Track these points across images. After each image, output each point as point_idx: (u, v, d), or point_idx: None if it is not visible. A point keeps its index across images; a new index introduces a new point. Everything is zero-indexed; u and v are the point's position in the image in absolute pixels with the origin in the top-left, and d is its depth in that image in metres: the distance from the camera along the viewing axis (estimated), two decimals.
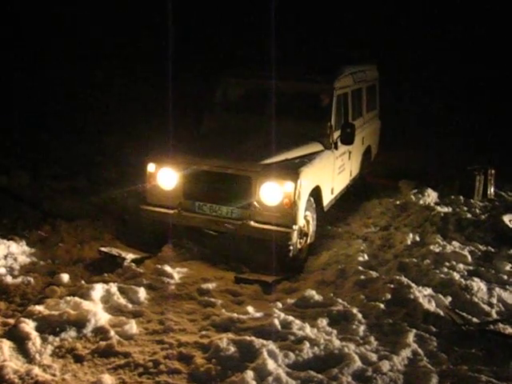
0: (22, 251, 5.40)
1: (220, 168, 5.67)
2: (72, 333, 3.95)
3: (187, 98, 9.15)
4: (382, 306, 4.71)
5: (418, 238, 6.41)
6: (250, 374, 3.53)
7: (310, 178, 5.69)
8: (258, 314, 4.46)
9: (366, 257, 5.81)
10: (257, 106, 6.88)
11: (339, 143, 6.58)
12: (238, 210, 5.63)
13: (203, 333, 4.12)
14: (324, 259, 5.90)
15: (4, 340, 3.69)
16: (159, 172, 5.88)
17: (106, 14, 13.07)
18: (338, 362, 3.84)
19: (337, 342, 4.08)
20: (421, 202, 7.86)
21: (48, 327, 3.95)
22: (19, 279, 4.82)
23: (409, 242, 6.28)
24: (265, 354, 3.74)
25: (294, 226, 5.49)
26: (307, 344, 3.96)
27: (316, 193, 6.06)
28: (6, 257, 5.19)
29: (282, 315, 4.37)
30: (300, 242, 5.85)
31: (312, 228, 6.10)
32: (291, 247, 5.61)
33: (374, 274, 5.34)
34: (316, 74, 6.98)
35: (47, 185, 7.38)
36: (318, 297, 4.84)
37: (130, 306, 4.48)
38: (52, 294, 4.54)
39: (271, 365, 3.66)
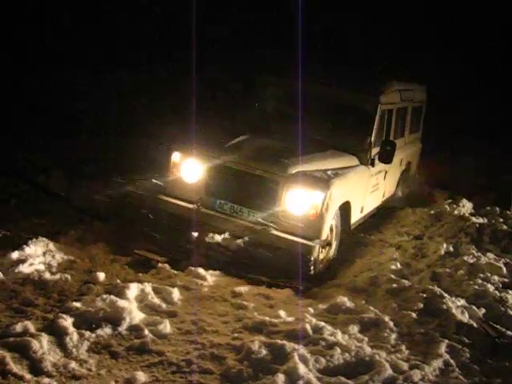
0: (59, 249, 5.52)
1: (247, 167, 5.46)
2: (107, 330, 4.03)
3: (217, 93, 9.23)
4: (413, 315, 4.70)
5: (451, 249, 6.37)
6: (281, 378, 3.57)
7: (340, 191, 5.48)
8: (290, 319, 4.49)
9: (399, 265, 5.79)
10: (294, 110, 6.48)
11: (376, 160, 6.33)
12: (260, 214, 5.41)
13: (235, 335, 4.17)
14: (356, 266, 5.91)
15: (43, 334, 3.78)
16: (183, 163, 5.70)
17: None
18: (368, 369, 3.84)
19: (368, 349, 4.08)
20: (455, 212, 7.81)
21: (85, 323, 4.04)
22: (57, 276, 4.93)
23: (442, 252, 6.24)
24: (296, 358, 3.76)
25: (317, 240, 5.28)
26: (338, 350, 3.98)
27: (345, 208, 5.81)
28: (44, 254, 5.31)
29: (314, 320, 4.39)
30: (323, 251, 5.66)
31: (335, 243, 5.85)
32: (312, 262, 5.34)
33: (406, 282, 5.32)
34: (362, 84, 6.72)
35: (85, 185, 7.52)
36: (349, 303, 4.85)
37: (163, 305, 4.56)
38: (88, 291, 4.64)
39: (302, 369, 3.68)
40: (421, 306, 4.83)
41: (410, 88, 7.82)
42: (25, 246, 5.16)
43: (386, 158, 6.18)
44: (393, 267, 5.71)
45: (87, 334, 3.93)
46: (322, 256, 5.64)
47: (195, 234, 5.81)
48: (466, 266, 5.80)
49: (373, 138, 6.30)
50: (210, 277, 5.25)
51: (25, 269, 4.86)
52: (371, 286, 5.32)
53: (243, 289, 5.08)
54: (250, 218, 5.44)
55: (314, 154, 5.84)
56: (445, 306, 4.79)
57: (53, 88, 10.51)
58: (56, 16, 11.73)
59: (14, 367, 3.42)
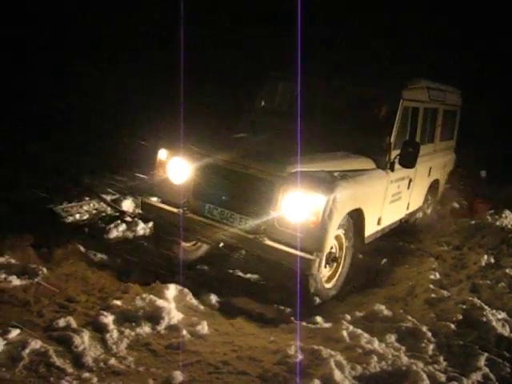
0: (100, 247, 5.64)
1: (239, 166, 4.78)
2: (147, 328, 4.11)
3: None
4: (452, 326, 4.63)
5: (492, 260, 6.25)
6: (316, 383, 3.57)
7: (348, 196, 4.74)
8: (327, 325, 4.49)
9: (438, 275, 5.72)
10: (304, 107, 5.87)
11: (397, 165, 5.58)
12: (253, 221, 4.70)
13: (272, 338, 4.19)
14: (394, 275, 5.86)
15: (84, 330, 3.88)
16: (170, 161, 5.06)
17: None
18: (405, 378, 3.81)
19: (405, 359, 4.05)
20: (497, 223, 7.66)
21: (125, 321, 4.13)
22: (98, 274, 5.05)
23: (483, 264, 6.13)
24: (332, 364, 3.76)
25: (318, 253, 4.57)
26: (375, 358, 3.95)
27: (357, 218, 5.13)
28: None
29: (351, 327, 4.38)
30: (328, 268, 5.06)
31: (346, 256, 5.18)
32: (311, 278, 4.67)
33: (445, 293, 5.25)
34: (383, 77, 6.10)
35: (128, 186, 7.66)
36: (387, 312, 4.81)
37: (201, 307, 4.62)
38: (128, 290, 4.73)
39: (338, 375, 3.67)
40: (460, 317, 4.76)
41: (442, 88, 7.11)
42: None
43: (408, 161, 5.40)
44: (432, 277, 5.64)
45: (127, 331, 4.01)
46: (326, 273, 5.03)
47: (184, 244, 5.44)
48: (508, 278, 5.68)
49: (393, 138, 5.58)
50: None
51: (67, 266, 4.99)
52: (409, 295, 5.26)
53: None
54: (242, 226, 4.74)
55: (319, 154, 5.17)
56: (485, 319, 4.71)
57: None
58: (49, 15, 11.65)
59: (57, 360, 3.52)
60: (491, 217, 7.98)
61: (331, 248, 4.92)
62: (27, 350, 3.55)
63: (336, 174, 4.83)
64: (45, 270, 4.76)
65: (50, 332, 3.84)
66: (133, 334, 4.01)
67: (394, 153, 5.59)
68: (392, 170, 5.61)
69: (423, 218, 7.50)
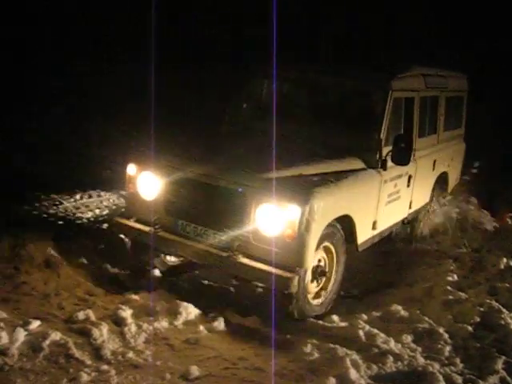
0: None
1: (209, 178, 4.40)
2: (164, 323, 4.15)
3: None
4: (469, 328, 4.60)
5: (511, 263, 6.20)
6: (332, 381, 3.58)
7: (330, 203, 4.30)
8: (343, 324, 4.50)
9: (456, 277, 5.68)
10: (286, 107, 5.53)
11: (390, 162, 5.06)
12: (227, 236, 4.34)
13: (288, 336, 4.21)
14: (411, 276, 5.83)
15: (103, 323, 3.94)
16: (140, 176, 4.71)
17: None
18: (421, 379, 3.80)
19: (421, 360, 4.05)
20: None
21: (143, 315, 4.18)
22: (115, 270, 5.11)
23: (502, 266, 6.07)
24: (348, 362, 3.77)
25: (298, 269, 4.14)
26: (391, 358, 3.96)
27: (347, 224, 4.71)
28: None
29: (367, 327, 4.38)
30: (316, 283, 4.64)
31: (338, 268, 4.79)
32: (291, 299, 4.28)
33: (462, 295, 5.22)
34: (368, 69, 5.61)
35: None
36: (403, 312, 4.80)
37: (218, 303, 4.65)
38: (146, 285, 4.78)
39: (353, 374, 3.68)
40: (477, 319, 4.73)
41: (442, 74, 6.54)
42: None
43: (401, 157, 4.92)
44: (449, 279, 5.61)
45: (145, 325, 4.06)
46: (314, 289, 4.66)
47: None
48: None
49: (383, 134, 5.06)
50: None
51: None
52: (426, 296, 5.24)
53: None
54: (216, 243, 4.39)
55: (300, 157, 4.71)
56: (503, 322, 4.67)
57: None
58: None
59: (76, 352, 3.59)
60: (511, 219, 7.89)
61: (319, 261, 4.57)
62: (47, 342, 3.63)
63: (316, 178, 4.39)
64: (64, 263, 4.83)
65: (70, 324, 3.93)
66: (150, 328, 4.06)
67: (386, 150, 5.06)
68: (384, 168, 5.05)
69: (433, 216, 7.02)
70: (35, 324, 3.81)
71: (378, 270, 6.00)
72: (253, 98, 6.00)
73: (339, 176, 4.59)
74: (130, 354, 3.70)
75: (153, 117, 6.36)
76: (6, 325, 3.74)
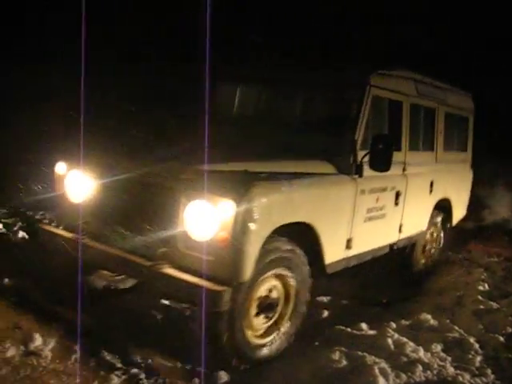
0: None
1: (138, 175, 3.71)
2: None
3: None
4: (501, 338, 4.55)
5: None
6: None
7: (279, 202, 3.52)
8: (371, 332, 4.47)
9: (487, 286, 5.62)
10: (249, 107, 5.10)
11: (369, 170, 4.30)
12: (152, 242, 3.60)
13: (316, 343, 4.21)
14: (442, 284, 5.79)
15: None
16: (68, 175, 4.10)
17: None
18: None
19: (451, 370, 4.00)
20: None
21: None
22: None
23: None
24: (376, 371, 3.74)
25: (234, 281, 3.33)
26: (420, 367, 3.92)
27: (309, 238, 3.93)
28: None
29: (396, 335, 4.36)
30: (265, 318, 3.81)
31: (298, 302, 3.96)
32: (219, 322, 3.41)
33: (494, 305, 5.16)
34: (345, 62, 4.97)
35: None
36: (433, 321, 4.76)
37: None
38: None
39: (382, 383, 3.66)
40: (509, 329, 4.67)
41: (438, 85, 5.87)
42: None
43: (378, 161, 4.19)
44: (480, 288, 5.55)
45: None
46: (262, 325, 3.80)
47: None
48: None
49: (358, 135, 4.37)
50: None
51: None
52: (456, 305, 5.19)
53: (325, 298, 5.13)
54: (143, 251, 3.65)
55: (253, 156, 4.00)
56: None
57: None
58: None
59: (107, 355, 3.63)
60: None
61: (269, 291, 3.77)
62: (78, 344, 3.68)
63: (263, 174, 3.62)
64: None
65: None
66: None
67: (363, 154, 4.35)
68: (360, 174, 4.34)
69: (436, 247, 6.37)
70: None
71: (426, 266, 5.91)
72: (217, 98, 5.27)
73: (297, 176, 3.82)
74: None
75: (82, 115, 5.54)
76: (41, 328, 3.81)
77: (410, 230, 5.39)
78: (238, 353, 3.60)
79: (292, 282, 3.87)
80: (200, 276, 3.33)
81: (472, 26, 13.20)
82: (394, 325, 4.63)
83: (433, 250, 6.27)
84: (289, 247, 3.73)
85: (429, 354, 4.18)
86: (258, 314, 3.73)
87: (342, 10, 12.40)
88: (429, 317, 4.82)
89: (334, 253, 4.21)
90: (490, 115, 8.47)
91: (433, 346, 4.30)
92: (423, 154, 5.54)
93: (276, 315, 3.89)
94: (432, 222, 6.01)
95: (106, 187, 3.89)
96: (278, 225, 3.52)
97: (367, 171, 4.33)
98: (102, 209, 3.93)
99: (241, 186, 3.33)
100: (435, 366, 4.01)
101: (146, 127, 5.82)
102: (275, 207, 3.49)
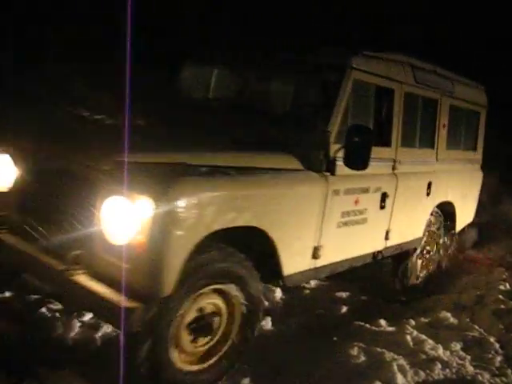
0: None
1: (56, 161, 3.19)
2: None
3: None
4: None
5: None
6: None
7: (215, 202, 2.89)
8: (390, 328, 4.45)
9: (508, 286, 5.56)
10: (217, 91, 4.61)
11: (343, 167, 3.70)
12: (69, 243, 3.00)
13: (335, 339, 4.21)
14: (462, 283, 5.75)
15: None
16: None
17: None
18: None
19: (470, 368, 3.98)
20: None
21: None
22: None
23: None
24: (395, 367, 3.73)
25: (152, 296, 2.75)
26: (439, 365, 3.90)
27: (266, 247, 3.35)
28: None
29: (415, 332, 4.33)
30: (204, 339, 3.20)
31: (241, 326, 3.36)
32: (138, 345, 2.84)
33: None
34: (321, 45, 4.26)
35: None
36: (453, 319, 4.73)
37: (266, 303, 4.68)
38: None
39: (400, 379, 3.65)
40: None
41: (444, 75, 5.23)
42: None
43: (354, 157, 3.60)
44: (501, 287, 5.49)
45: None
46: (194, 348, 3.18)
47: None
48: None
49: (332, 126, 3.72)
50: (313, 281, 5.28)
51: None
52: (477, 304, 5.14)
53: (344, 294, 5.12)
54: (58, 250, 3.05)
55: (197, 147, 3.38)
56: None
57: None
58: None
59: None
60: None
61: (207, 309, 3.19)
62: (98, 333, 3.72)
63: (204, 169, 3.01)
64: None
65: None
66: None
67: (337, 148, 3.76)
68: (332, 172, 3.73)
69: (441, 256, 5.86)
70: (88, 316, 3.91)
71: (426, 275, 5.89)
72: (182, 81, 4.76)
73: (248, 171, 3.24)
74: None
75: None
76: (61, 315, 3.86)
77: (400, 237, 4.79)
78: (158, 379, 2.98)
79: (237, 299, 3.27)
80: (117, 287, 2.76)
81: (472, 26, 13.16)
82: (413, 322, 4.61)
83: (435, 258, 5.75)
84: (233, 258, 3.15)
85: (448, 353, 4.15)
86: (192, 337, 3.14)
87: (342, 10, 12.38)
88: (448, 315, 4.78)
89: (295, 263, 3.61)
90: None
91: (452, 345, 4.28)
92: (420, 152, 4.90)
93: (217, 337, 3.29)
94: (431, 228, 5.46)
95: (27, 175, 3.36)
96: (211, 230, 2.90)
97: (343, 169, 3.71)
98: (24, 200, 3.35)
99: (163, 181, 2.75)
100: (454, 364, 3.98)
101: (87, 107, 5.42)
102: (209, 208, 2.86)
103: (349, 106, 3.87)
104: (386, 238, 4.58)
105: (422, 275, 5.57)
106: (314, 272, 3.85)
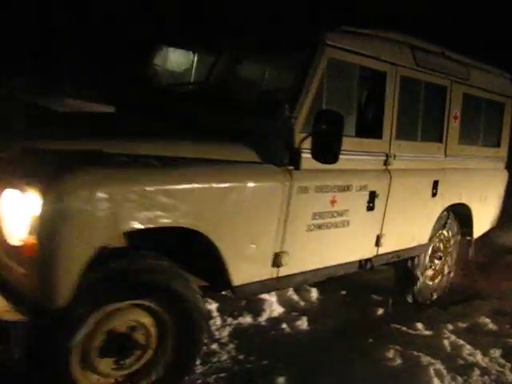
0: None
1: None
2: (248, 319, 4.25)
3: None
4: None
5: None
6: None
7: (125, 198, 2.41)
8: (428, 332, 4.41)
9: None
10: (179, 75, 4.22)
11: (307, 160, 3.18)
12: None
13: (370, 340, 4.18)
14: (501, 288, 5.62)
15: None
16: None
17: None
18: None
19: (510, 376, 3.90)
20: None
21: (228, 310, 4.29)
22: None
23: None
24: (431, 371, 3.68)
25: (43, 306, 2.34)
26: (477, 371, 3.84)
27: (210, 252, 2.87)
28: None
29: (453, 337, 4.28)
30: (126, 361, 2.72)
31: (173, 348, 2.85)
32: (33, 367, 2.44)
33: None
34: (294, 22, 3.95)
35: None
36: (492, 326, 4.66)
37: (302, 303, 4.69)
38: None
39: None
40: None
41: (456, 59, 4.63)
42: None
43: (322, 148, 3.05)
44: None
45: (229, 319, 4.17)
46: (114, 371, 2.70)
47: None
48: None
49: (299, 112, 3.17)
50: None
51: None
52: None
53: (380, 296, 5.10)
54: None
55: (132, 132, 3.04)
56: None
57: None
58: None
59: None
60: None
61: (129, 327, 2.71)
62: None
63: (122, 158, 2.55)
64: None
65: None
66: (234, 322, 4.15)
67: (303, 137, 3.20)
68: (296, 166, 3.20)
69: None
70: None
71: (465, 279, 5.80)
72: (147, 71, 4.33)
73: (180, 162, 2.74)
74: (214, 346, 3.79)
75: None
76: None
77: (397, 243, 4.25)
78: None
79: (168, 317, 2.78)
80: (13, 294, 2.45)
81: (472, 26, 12.95)
82: (450, 326, 4.55)
83: (447, 269, 5.19)
84: (158, 266, 2.67)
85: (487, 359, 4.08)
86: (100, 355, 2.63)
87: (342, 10, 12.29)
88: (487, 321, 4.71)
89: (248, 272, 3.11)
90: None
91: (491, 351, 4.20)
92: (423, 146, 4.34)
93: (142, 360, 2.79)
94: (442, 233, 4.95)
95: None
96: (122, 231, 2.50)
97: (312, 162, 3.14)
98: None
99: (54, 171, 2.30)
100: (493, 371, 3.91)
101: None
102: (117, 205, 2.39)
103: (323, 89, 3.33)
104: (377, 244, 4.02)
105: (433, 285, 5.07)
106: (275, 282, 3.31)
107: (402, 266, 4.70)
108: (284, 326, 4.21)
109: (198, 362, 3.48)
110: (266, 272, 3.22)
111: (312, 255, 3.51)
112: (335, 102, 3.42)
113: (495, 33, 13.34)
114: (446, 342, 4.19)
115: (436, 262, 5.06)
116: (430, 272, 5.02)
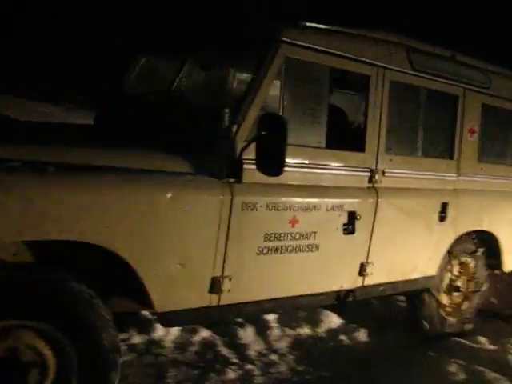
0: None
1: None
2: (306, 330, 4.26)
3: None
4: None
5: None
6: None
7: (7, 207, 2.16)
8: (492, 347, 4.30)
9: None
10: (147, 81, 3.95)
11: (251, 172, 2.79)
12: None
13: (431, 354, 4.10)
14: None
15: (249, 324, 4.12)
16: None
17: None
18: None
19: None
20: None
21: (286, 321, 4.30)
22: None
23: None
24: None
25: None
26: None
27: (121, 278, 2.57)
28: None
29: None
30: None
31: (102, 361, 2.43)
32: None
33: None
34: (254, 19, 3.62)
35: None
36: None
37: (360, 314, 4.65)
38: None
39: None
40: None
41: (468, 63, 4.12)
42: None
43: (263, 157, 2.66)
44: None
45: (287, 330, 4.18)
46: None
47: None
48: None
49: (243, 117, 2.81)
50: None
51: None
52: None
53: None
54: None
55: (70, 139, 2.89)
56: None
57: None
58: None
59: (223, 349, 3.78)
60: None
61: (14, 351, 2.29)
62: (197, 337, 3.86)
63: (13, 163, 2.25)
64: None
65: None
66: (293, 333, 4.16)
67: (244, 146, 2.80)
68: (237, 178, 2.81)
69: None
70: None
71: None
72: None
73: (85, 171, 2.41)
74: (273, 357, 3.81)
75: None
76: None
77: (390, 274, 3.74)
78: None
79: (70, 347, 2.34)
80: None
81: (471, 26, 12.68)
82: None
83: (470, 309, 4.52)
84: (51, 283, 2.31)
85: None
86: None
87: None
88: None
89: (177, 297, 2.71)
90: None
91: None
92: (426, 162, 3.84)
93: None
94: (462, 265, 4.37)
95: None
96: (6, 241, 2.27)
97: (259, 175, 2.75)
98: None
99: None
100: None
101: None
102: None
103: (280, 92, 2.96)
104: (362, 273, 3.52)
105: (453, 321, 4.41)
106: (216, 312, 2.89)
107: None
108: (343, 337, 4.20)
109: (257, 373, 3.54)
110: (202, 299, 2.81)
111: (268, 282, 3.06)
112: (297, 108, 3.09)
113: (495, 33, 13.07)
114: (510, 358, 4.07)
115: (453, 295, 4.43)
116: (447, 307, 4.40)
